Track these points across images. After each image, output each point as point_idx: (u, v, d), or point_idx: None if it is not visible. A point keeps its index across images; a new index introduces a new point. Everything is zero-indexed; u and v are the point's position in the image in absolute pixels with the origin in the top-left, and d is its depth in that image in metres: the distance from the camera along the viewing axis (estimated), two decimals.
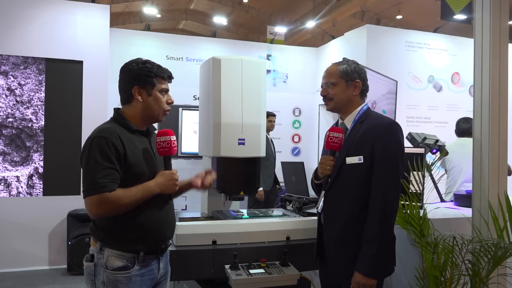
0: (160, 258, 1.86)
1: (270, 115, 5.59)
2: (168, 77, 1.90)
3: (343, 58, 2.23)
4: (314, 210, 2.61)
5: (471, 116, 2.43)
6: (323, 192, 2.04)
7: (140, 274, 1.76)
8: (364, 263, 1.84)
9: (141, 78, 1.82)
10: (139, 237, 1.75)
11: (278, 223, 2.42)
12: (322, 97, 2.08)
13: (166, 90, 1.89)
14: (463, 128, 4.07)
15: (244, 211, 2.70)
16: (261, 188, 5.23)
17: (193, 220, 2.49)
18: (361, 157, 1.92)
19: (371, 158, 1.90)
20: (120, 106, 1.90)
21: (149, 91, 1.84)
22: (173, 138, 1.83)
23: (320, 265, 2.13)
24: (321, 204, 2.05)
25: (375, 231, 1.83)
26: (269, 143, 5.54)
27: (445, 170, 4.02)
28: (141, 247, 1.76)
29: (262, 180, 5.19)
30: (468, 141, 4.02)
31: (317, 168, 2.11)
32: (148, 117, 1.87)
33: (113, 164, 1.69)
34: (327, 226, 2.01)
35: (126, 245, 1.74)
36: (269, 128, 5.59)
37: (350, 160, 1.94)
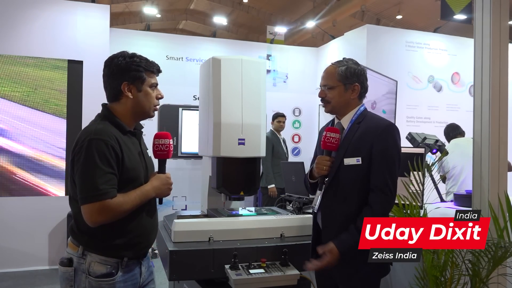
0: (142, 262, 1.82)
1: (279, 116, 5.62)
2: (157, 70, 1.82)
3: (343, 58, 2.21)
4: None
5: (471, 116, 2.43)
6: (318, 192, 2.03)
7: (123, 280, 1.71)
8: (344, 243, 1.83)
9: (130, 73, 1.73)
10: (126, 243, 1.69)
11: (273, 220, 2.44)
12: (320, 98, 2.07)
13: (156, 85, 1.81)
14: (453, 134, 4.26)
15: (240, 209, 2.71)
16: (273, 185, 5.31)
17: (190, 217, 2.51)
18: (359, 158, 1.91)
19: (369, 159, 1.91)
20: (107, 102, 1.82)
21: (139, 86, 1.75)
22: (171, 142, 1.80)
23: None
24: (317, 203, 2.04)
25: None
26: (280, 143, 5.57)
27: (441, 175, 4.05)
28: (126, 253, 1.70)
29: (273, 178, 5.30)
30: (461, 140, 4.13)
31: (312, 168, 2.10)
32: (139, 114, 1.80)
33: (112, 168, 1.61)
34: (325, 227, 2.00)
35: (110, 251, 1.68)
36: (279, 128, 5.61)
37: (348, 161, 1.94)
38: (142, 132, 1.89)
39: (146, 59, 1.79)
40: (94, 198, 1.58)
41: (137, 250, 1.76)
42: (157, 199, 1.85)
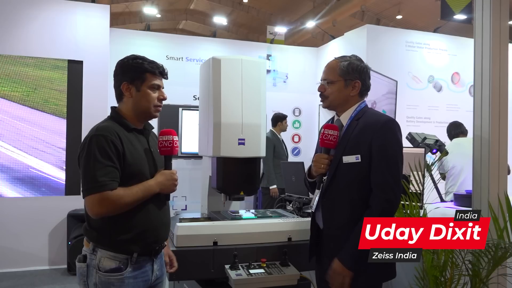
0: (154, 259, 1.83)
1: (283, 118, 5.65)
2: (160, 72, 1.84)
3: (352, 55, 2.14)
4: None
5: (471, 116, 2.43)
6: (317, 191, 1.99)
7: (133, 276, 1.73)
8: (347, 254, 1.80)
9: (130, 73, 1.79)
10: (133, 238, 1.72)
11: (279, 223, 2.40)
12: (318, 93, 2.03)
13: (158, 86, 1.84)
14: (455, 132, 4.25)
15: (242, 212, 2.70)
16: (274, 186, 5.31)
17: (193, 220, 2.48)
18: (358, 156, 1.86)
19: (369, 157, 1.84)
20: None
21: (138, 87, 1.80)
22: (176, 138, 1.83)
23: (316, 265, 2.08)
24: (315, 203, 2.01)
25: None
26: (281, 143, 5.59)
27: (441, 173, 4.05)
28: (134, 248, 1.72)
29: (275, 178, 5.30)
30: (463, 140, 4.12)
31: (310, 166, 2.06)
32: (140, 113, 1.84)
33: (113, 162, 1.67)
34: (327, 227, 1.96)
35: (119, 246, 1.71)
36: (284, 129, 5.66)
37: (347, 159, 1.88)
38: (150, 131, 1.94)
39: (150, 61, 1.83)
40: (93, 189, 1.63)
41: (145, 246, 1.77)
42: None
